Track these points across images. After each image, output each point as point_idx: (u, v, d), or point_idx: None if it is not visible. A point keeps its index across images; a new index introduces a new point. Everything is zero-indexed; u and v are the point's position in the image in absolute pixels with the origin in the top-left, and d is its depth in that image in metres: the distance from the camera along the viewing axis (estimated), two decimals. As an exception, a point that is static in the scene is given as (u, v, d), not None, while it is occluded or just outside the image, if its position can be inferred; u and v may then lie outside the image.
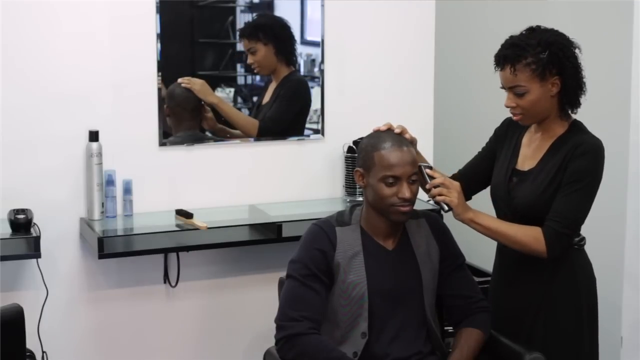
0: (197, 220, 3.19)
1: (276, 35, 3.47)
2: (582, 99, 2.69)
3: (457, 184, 2.64)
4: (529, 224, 2.63)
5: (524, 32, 2.66)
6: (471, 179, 2.87)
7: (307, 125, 3.58)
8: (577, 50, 2.64)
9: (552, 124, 2.69)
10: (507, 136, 2.83)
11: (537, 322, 2.70)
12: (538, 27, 2.66)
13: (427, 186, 2.62)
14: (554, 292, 2.68)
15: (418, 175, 2.58)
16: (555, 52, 2.59)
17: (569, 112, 2.70)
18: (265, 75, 3.50)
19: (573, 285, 2.69)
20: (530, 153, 2.73)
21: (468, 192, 2.80)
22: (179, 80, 3.33)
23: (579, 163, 2.59)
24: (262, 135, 3.49)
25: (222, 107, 3.41)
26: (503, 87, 2.67)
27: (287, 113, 3.54)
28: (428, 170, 2.64)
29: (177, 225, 3.23)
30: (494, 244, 2.81)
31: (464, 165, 2.96)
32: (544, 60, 2.58)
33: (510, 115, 2.73)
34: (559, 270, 2.67)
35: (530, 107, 2.62)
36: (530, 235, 2.60)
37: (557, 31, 2.65)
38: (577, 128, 2.69)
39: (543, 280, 2.68)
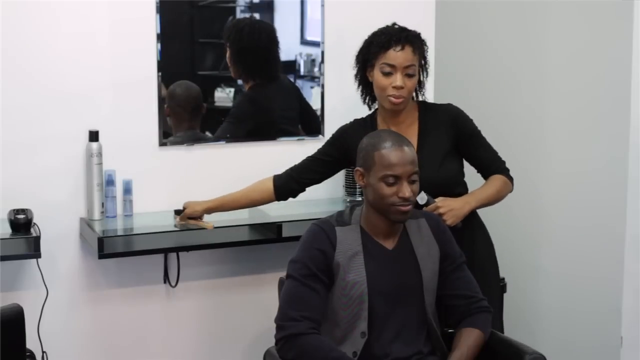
0: (203, 221, 3.18)
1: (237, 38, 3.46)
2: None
3: (445, 203, 2.87)
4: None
5: (395, 26, 3.00)
6: (303, 179, 3.09)
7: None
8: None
9: (409, 111, 2.99)
10: (351, 142, 2.92)
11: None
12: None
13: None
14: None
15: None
16: (425, 45, 3.01)
17: (420, 100, 3.05)
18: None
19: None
20: None
21: (300, 189, 3.11)
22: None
23: (467, 124, 2.99)
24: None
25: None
26: (387, 72, 2.89)
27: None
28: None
29: (180, 225, 3.21)
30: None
31: (296, 167, 3.11)
32: (423, 50, 2.98)
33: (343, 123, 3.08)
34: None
35: (412, 89, 2.94)
36: (504, 185, 2.98)
37: None
38: (426, 104, 3.04)
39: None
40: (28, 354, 2.86)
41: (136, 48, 3.26)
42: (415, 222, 2.70)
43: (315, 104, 3.58)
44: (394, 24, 3.02)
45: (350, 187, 3.56)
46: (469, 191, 3.00)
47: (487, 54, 4.19)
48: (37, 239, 3.01)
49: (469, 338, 2.63)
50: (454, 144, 2.96)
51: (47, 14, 3.12)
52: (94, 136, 3.18)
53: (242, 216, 3.41)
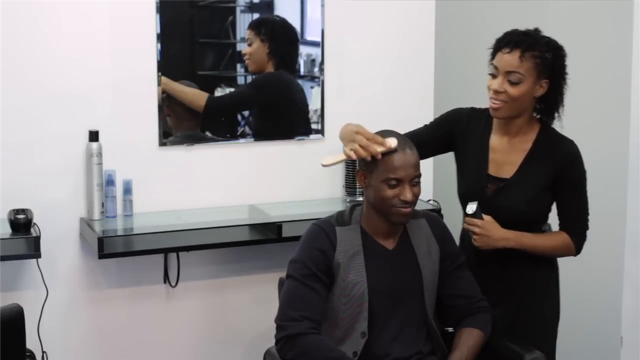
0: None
1: (274, 34, 3.46)
2: (559, 114, 2.76)
3: (491, 228, 2.70)
4: (514, 228, 2.72)
5: (529, 30, 2.70)
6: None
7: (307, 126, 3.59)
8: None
9: (523, 126, 2.75)
10: (468, 132, 2.82)
11: (520, 310, 2.79)
12: (540, 30, 2.72)
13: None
14: (536, 280, 2.81)
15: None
16: (558, 57, 2.69)
17: (544, 120, 2.76)
18: (254, 71, 3.47)
19: (550, 269, 2.86)
20: (504, 159, 2.77)
21: None
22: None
23: (576, 170, 2.75)
24: (208, 110, 3.41)
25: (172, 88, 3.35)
26: (493, 74, 2.69)
27: (241, 95, 3.47)
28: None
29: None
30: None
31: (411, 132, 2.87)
32: (547, 60, 2.65)
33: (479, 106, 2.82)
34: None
35: (516, 99, 2.66)
36: (562, 246, 2.78)
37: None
38: (549, 130, 2.77)
39: (527, 272, 2.80)
40: (28, 354, 2.85)
41: (136, 48, 3.26)
42: (415, 222, 2.70)
43: (315, 104, 3.58)
44: (535, 29, 2.71)
45: (350, 187, 3.56)
46: (549, 229, 2.84)
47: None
48: (37, 239, 3.01)
49: (469, 338, 2.64)
50: (553, 182, 2.73)
51: (47, 14, 3.12)
52: (94, 136, 3.18)
53: (242, 216, 3.42)
